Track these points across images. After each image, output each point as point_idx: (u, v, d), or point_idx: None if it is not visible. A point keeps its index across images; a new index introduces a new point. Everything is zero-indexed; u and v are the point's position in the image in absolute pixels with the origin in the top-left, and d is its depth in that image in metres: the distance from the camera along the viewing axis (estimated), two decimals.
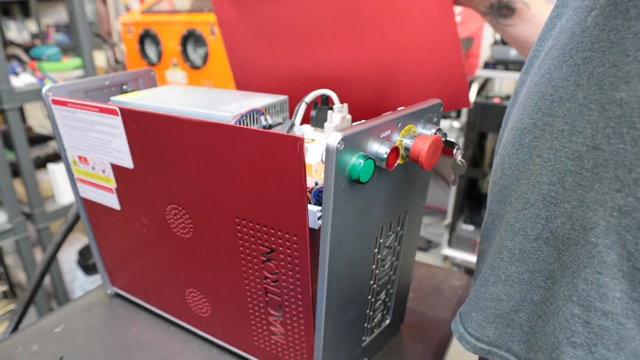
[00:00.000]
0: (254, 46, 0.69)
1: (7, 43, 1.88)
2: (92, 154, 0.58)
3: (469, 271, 2.07)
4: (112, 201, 0.60)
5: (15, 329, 0.82)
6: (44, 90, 0.58)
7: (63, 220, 1.35)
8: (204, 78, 2.20)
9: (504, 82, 2.13)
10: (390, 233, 0.50)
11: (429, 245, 2.30)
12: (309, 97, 0.53)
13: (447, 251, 1.99)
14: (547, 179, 0.36)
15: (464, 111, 1.74)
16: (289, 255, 0.44)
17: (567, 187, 0.35)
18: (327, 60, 0.63)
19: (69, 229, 0.85)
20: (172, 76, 2.31)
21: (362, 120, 0.40)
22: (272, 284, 0.48)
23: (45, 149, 1.83)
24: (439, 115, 0.48)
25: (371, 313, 0.54)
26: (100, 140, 0.55)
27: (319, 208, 0.41)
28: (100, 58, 3.39)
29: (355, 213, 0.42)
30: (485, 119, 1.72)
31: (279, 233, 0.43)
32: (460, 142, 1.79)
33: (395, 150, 0.40)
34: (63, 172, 1.59)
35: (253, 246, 0.47)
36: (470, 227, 2.05)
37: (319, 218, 0.41)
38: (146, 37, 2.35)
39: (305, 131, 0.58)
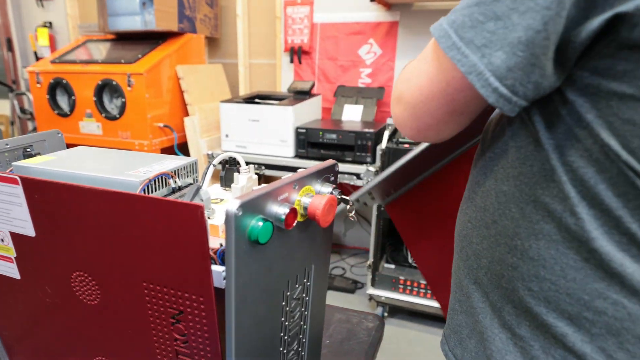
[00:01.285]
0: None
1: None
2: None
3: (393, 309, 2.14)
4: (11, 271, 0.57)
5: None
6: None
7: None
8: (120, 129, 2.15)
9: None
10: (297, 286, 0.53)
11: (355, 287, 2.36)
12: (216, 160, 0.56)
13: (372, 291, 2.05)
14: (475, 240, 0.49)
15: (378, 156, 1.86)
16: (197, 315, 0.45)
17: (484, 248, 0.48)
18: None
19: None
20: (87, 127, 2.23)
21: (263, 185, 0.44)
22: (182, 345, 0.48)
23: None
24: (335, 174, 0.53)
25: None
26: None
27: (224, 268, 0.43)
28: (4, 107, 3.19)
29: (259, 271, 0.45)
30: None
31: (186, 295, 0.45)
32: None
33: (293, 211, 0.44)
34: None
35: (162, 309, 0.47)
36: (392, 266, 2.13)
37: (224, 278, 0.43)
38: (57, 86, 2.27)
39: (215, 191, 0.60)
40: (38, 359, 0.64)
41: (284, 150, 2.05)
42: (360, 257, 2.70)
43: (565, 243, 0.40)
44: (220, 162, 0.60)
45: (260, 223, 0.41)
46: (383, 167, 1.86)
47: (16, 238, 0.54)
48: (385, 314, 2.11)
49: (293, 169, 2.03)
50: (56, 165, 0.58)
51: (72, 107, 2.24)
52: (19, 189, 0.50)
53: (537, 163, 0.42)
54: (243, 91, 2.64)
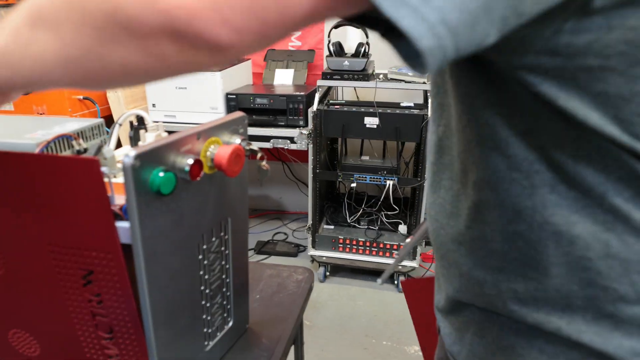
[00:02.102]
0: None
1: None
2: None
3: (335, 267, 2.21)
4: None
5: None
6: None
7: None
8: (35, 103, 2.00)
9: (345, 90, 2.33)
10: (214, 239, 0.54)
11: (297, 250, 2.40)
12: (122, 119, 0.55)
13: (313, 252, 2.10)
14: (452, 247, 0.46)
15: (310, 118, 1.87)
16: (108, 273, 0.45)
17: (462, 254, 0.44)
18: None
19: None
20: None
21: (165, 136, 0.43)
22: (97, 305, 0.48)
23: None
24: (244, 126, 0.53)
25: (209, 317, 0.57)
26: None
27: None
28: None
29: (168, 224, 0.45)
30: (328, 125, 1.87)
31: (94, 253, 0.44)
32: (310, 147, 1.91)
33: (197, 162, 0.44)
34: None
35: (71, 271, 0.46)
36: (331, 227, 2.19)
37: None
38: None
39: (125, 152, 0.58)
40: None
41: (214, 117, 2.00)
42: (301, 221, 2.74)
43: (543, 241, 0.37)
44: (130, 123, 0.58)
45: (162, 174, 0.40)
46: (315, 129, 1.88)
47: None
48: (327, 273, 2.18)
49: None
50: None
51: None
52: None
53: (500, 164, 0.37)
54: None
